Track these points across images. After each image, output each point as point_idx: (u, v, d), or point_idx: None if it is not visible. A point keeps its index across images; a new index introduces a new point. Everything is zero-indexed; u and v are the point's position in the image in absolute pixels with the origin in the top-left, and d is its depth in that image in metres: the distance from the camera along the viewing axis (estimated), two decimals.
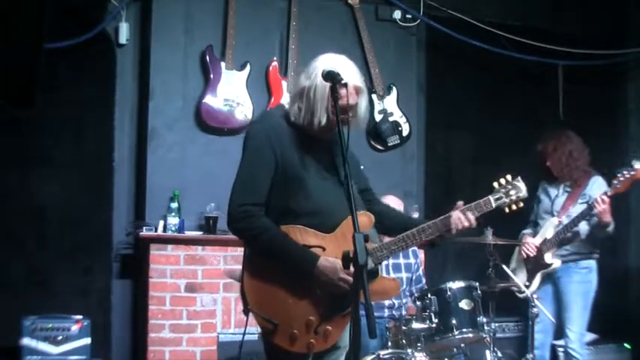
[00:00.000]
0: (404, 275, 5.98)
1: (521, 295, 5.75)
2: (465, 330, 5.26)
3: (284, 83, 6.63)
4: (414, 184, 7.23)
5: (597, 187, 5.82)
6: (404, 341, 5.31)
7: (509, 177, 3.84)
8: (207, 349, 6.19)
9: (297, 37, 6.69)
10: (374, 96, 6.89)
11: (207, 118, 6.41)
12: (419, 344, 5.22)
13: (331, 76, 3.37)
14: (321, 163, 3.59)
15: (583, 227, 5.88)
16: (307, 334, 3.48)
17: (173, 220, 6.19)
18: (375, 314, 3.00)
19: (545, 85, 7.90)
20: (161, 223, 6.22)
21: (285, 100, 6.32)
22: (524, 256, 6.08)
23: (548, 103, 7.89)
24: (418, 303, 5.36)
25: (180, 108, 6.46)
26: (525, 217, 6.20)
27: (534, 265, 6.02)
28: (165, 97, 6.43)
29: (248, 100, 6.49)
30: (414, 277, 6.08)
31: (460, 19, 7.31)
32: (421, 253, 6.43)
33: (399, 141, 7.03)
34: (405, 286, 5.96)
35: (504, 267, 5.69)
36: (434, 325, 5.21)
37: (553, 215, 6.03)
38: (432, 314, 5.24)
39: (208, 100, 6.41)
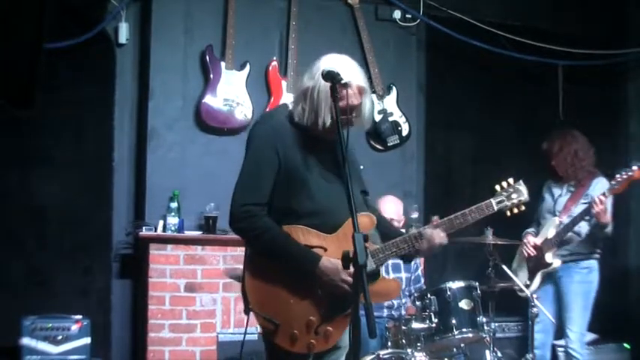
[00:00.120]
0: (403, 275, 5.98)
1: (522, 294, 5.75)
2: (464, 330, 5.26)
3: (284, 83, 6.63)
4: (414, 184, 7.23)
5: (599, 188, 5.81)
6: (404, 341, 5.31)
7: (511, 180, 3.84)
8: (206, 349, 6.19)
9: (297, 36, 6.69)
10: (373, 96, 6.89)
11: (206, 118, 6.41)
12: (419, 344, 5.22)
13: (331, 76, 3.36)
14: (324, 164, 3.59)
15: (584, 227, 5.88)
16: (308, 334, 3.48)
17: (173, 220, 6.19)
18: (375, 314, 2.99)
19: (545, 85, 7.90)
20: (161, 222, 6.22)
21: (285, 100, 6.34)
22: (525, 255, 6.09)
23: (548, 103, 7.89)
24: (418, 303, 5.36)
25: (179, 108, 6.46)
26: (525, 217, 6.16)
27: (535, 264, 6.02)
28: (165, 97, 6.43)
29: (248, 100, 6.49)
30: (412, 277, 6.08)
31: (460, 19, 7.31)
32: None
33: (398, 141, 7.03)
34: (404, 286, 5.97)
35: (504, 267, 5.69)
36: (434, 325, 5.21)
37: (555, 215, 6.03)
38: (431, 314, 5.24)
39: (208, 100, 6.40)
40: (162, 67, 6.44)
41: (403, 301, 5.88)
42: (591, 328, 6.32)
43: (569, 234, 5.89)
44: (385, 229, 3.82)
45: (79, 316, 5.78)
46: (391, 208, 6.01)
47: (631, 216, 7.95)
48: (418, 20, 7.21)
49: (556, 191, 6.14)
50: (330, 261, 3.43)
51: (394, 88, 7.04)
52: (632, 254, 8.04)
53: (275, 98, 6.59)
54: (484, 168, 7.70)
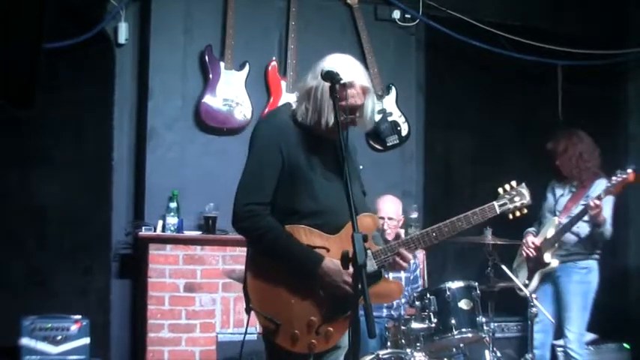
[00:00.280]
0: (403, 275, 5.98)
1: (521, 294, 5.75)
2: (464, 330, 5.26)
3: (283, 83, 6.63)
4: (413, 184, 7.23)
5: (599, 190, 5.80)
6: (403, 341, 5.31)
7: (513, 183, 3.83)
8: (206, 349, 6.19)
9: (297, 36, 6.69)
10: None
11: (206, 118, 6.41)
12: (418, 344, 5.22)
13: (330, 76, 3.35)
14: (327, 164, 3.58)
15: (583, 228, 5.88)
16: (309, 334, 3.48)
17: (172, 220, 6.18)
18: (374, 314, 2.99)
19: (545, 85, 7.90)
20: (160, 222, 6.21)
21: (284, 100, 6.33)
22: (525, 255, 6.09)
23: (547, 103, 7.89)
24: (417, 303, 5.36)
25: (179, 108, 6.46)
26: (525, 217, 6.14)
27: (535, 263, 6.03)
28: (164, 97, 6.42)
29: (247, 100, 6.49)
30: (412, 278, 6.08)
31: (459, 19, 7.31)
32: (420, 254, 6.44)
33: (398, 141, 7.03)
34: (404, 287, 5.97)
35: (503, 267, 5.69)
36: (433, 325, 5.21)
37: (555, 215, 6.04)
38: (431, 314, 5.24)
39: (207, 99, 6.40)
40: (162, 67, 6.44)
41: (403, 301, 5.88)
42: (591, 329, 6.32)
43: (568, 234, 5.90)
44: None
45: (79, 316, 5.78)
46: (390, 207, 6.02)
47: (630, 217, 7.95)
48: (417, 20, 7.21)
49: (558, 191, 6.14)
50: (333, 262, 3.42)
51: (393, 88, 7.04)
52: (631, 255, 8.05)
53: (274, 98, 6.59)
54: (483, 168, 7.71)
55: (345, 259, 3.01)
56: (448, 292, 5.30)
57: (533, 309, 5.58)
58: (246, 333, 3.76)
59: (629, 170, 5.55)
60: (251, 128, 4.51)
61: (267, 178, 3.50)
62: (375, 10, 7.15)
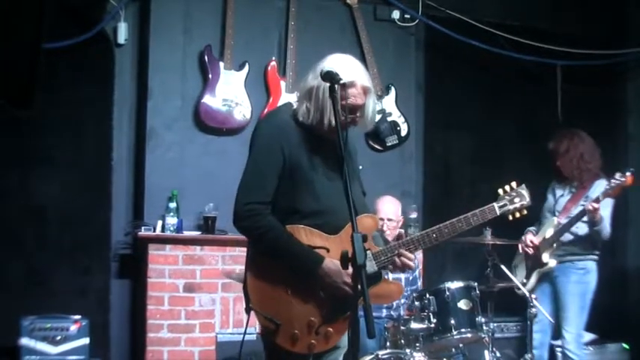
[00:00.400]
0: (402, 276, 5.97)
1: (518, 292, 5.75)
2: (463, 330, 5.26)
3: (282, 83, 6.63)
4: (413, 184, 7.24)
5: (599, 191, 5.79)
6: (402, 341, 5.31)
7: (513, 184, 3.83)
8: (205, 349, 6.19)
9: (296, 36, 6.68)
10: None
11: (205, 118, 6.41)
12: (417, 344, 5.22)
13: (330, 77, 3.35)
14: (328, 164, 3.58)
15: (581, 228, 5.88)
16: (309, 334, 3.47)
17: (171, 220, 6.18)
18: (374, 314, 2.99)
19: (544, 85, 7.90)
20: (159, 223, 6.21)
21: (284, 100, 6.33)
22: (523, 253, 6.10)
23: (546, 103, 7.89)
24: (417, 303, 5.36)
25: (178, 108, 6.45)
26: (525, 218, 6.18)
27: (533, 262, 6.04)
28: (163, 97, 6.42)
29: (246, 100, 6.49)
30: (411, 278, 6.08)
31: (459, 19, 7.31)
32: (419, 254, 6.43)
33: (397, 141, 7.03)
34: (403, 287, 5.97)
35: (503, 267, 5.69)
36: (432, 325, 5.21)
37: (555, 215, 6.04)
38: (430, 314, 5.24)
39: (207, 100, 6.40)
40: (161, 67, 6.44)
41: (402, 301, 5.88)
42: (590, 329, 6.33)
43: (566, 234, 5.90)
44: None
45: (78, 317, 5.77)
46: (389, 208, 6.01)
47: (630, 217, 7.95)
48: (417, 20, 7.21)
49: (558, 192, 6.15)
50: (333, 262, 3.41)
51: (393, 88, 7.04)
52: (630, 255, 8.05)
53: (274, 98, 6.59)
54: (483, 168, 7.71)
55: (345, 260, 3.01)
56: (447, 293, 5.30)
57: (533, 309, 5.59)
58: (245, 333, 3.76)
59: (628, 173, 5.56)
60: (250, 128, 4.52)
61: (268, 177, 3.50)
62: (375, 10, 7.15)
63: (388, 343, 5.42)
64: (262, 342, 3.63)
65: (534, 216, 6.16)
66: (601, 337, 6.95)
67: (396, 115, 7.02)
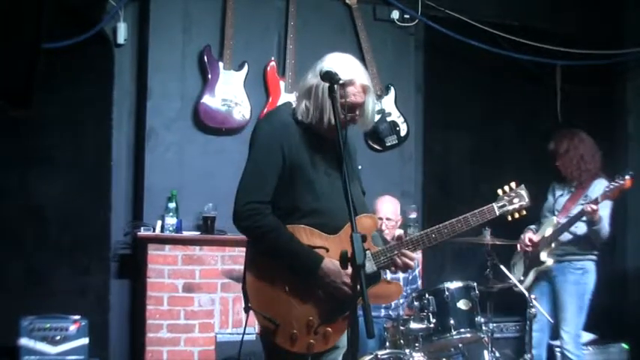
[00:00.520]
0: (401, 275, 5.97)
1: (516, 289, 5.74)
2: (462, 330, 5.27)
3: (282, 83, 6.63)
4: (412, 184, 7.24)
5: (598, 190, 5.81)
6: (402, 341, 5.31)
7: (513, 184, 3.83)
8: (205, 349, 6.19)
9: (295, 36, 6.68)
10: None
11: (205, 118, 6.41)
12: (417, 344, 5.22)
13: (329, 77, 3.35)
14: (328, 163, 3.58)
15: (580, 227, 5.88)
16: (307, 334, 3.48)
17: (171, 220, 6.18)
18: (373, 314, 3.00)
19: (544, 85, 7.91)
20: (159, 223, 6.21)
21: (283, 100, 6.33)
22: (520, 250, 6.10)
23: (546, 103, 7.90)
24: (416, 303, 5.36)
25: (178, 108, 6.45)
26: (524, 218, 6.19)
27: (531, 261, 6.04)
28: (163, 97, 6.42)
29: (246, 100, 6.49)
30: (410, 278, 6.09)
31: (458, 19, 7.31)
32: (419, 254, 6.43)
33: (396, 141, 7.03)
34: (402, 287, 5.97)
35: (502, 267, 5.69)
36: (432, 325, 5.22)
37: (554, 214, 6.04)
38: (429, 314, 5.25)
39: (206, 100, 6.40)
40: (161, 67, 6.43)
41: (401, 301, 5.88)
42: (590, 329, 6.33)
43: (565, 234, 5.90)
44: None
45: (77, 317, 5.77)
46: (388, 207, 6.02)
47: (629, 217, 7.95)
48: (416, 20, 7.21)
49: (558, 191, 6.15)
50: (333, 262, 3.41)
51: (392, 88, 7.04)
52: (630, 255, 8.04)
53: (273, 98, 6.59)
54: (482, 168, 7.71)
55: (344, 260, 3.01)
56: (447, 293, 5.31)
57: (532, 309, 5.59)
58: (244, 333, 3.76)
59: (627, 177, 5.56)
60: (250, 128, 4.52)
61: (268, 176, 3.50)
62: (374, 10, 7.15)
63: (387, 343, 5.43)
64: (261, 342, 3.64)
65: (534, 216, 6.16)
66: (601, 338, 6.94)
67: (395, 115, 7.02)
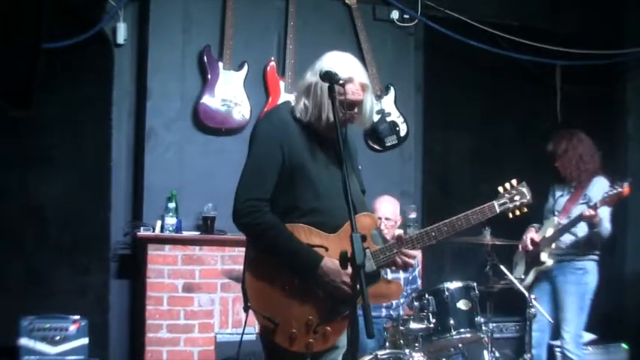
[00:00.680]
0: (401, 275, 5.97)
1: (515, 288, 5.74)
2: (462, 330, 5.26)
3: (281, 83, 6.63)
4: (412, 184, 7.24)
5: (597, 189, 5.82)
6: (402, 341, 5.31)
7: (514, 182, 3.82)
8: (204, 349, 6.19)
9: (295, 36, 6.68)
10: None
11: (204, 118, 6.41)
12: (417, 344, 5.22)
13: (329, 77, 3.36)
14: (327, 161, 3.58)
15: (581, 227, 5.88)
16: (307, 334, 3.48)
17: (170, 220, 6.18)
18: (373, 314, 2.99)
19: (543, 85, 7.91)
20: (158, 223, 6.21)
21: (283, 100, 6.33)
22: (521, 248, 6.10)
23: (546, 103, 7.90)
24: (416, 303, 5.36)
25: (177, 108, 6.45)
26: (524, 217, 6.13)
27: (532, 260, 6.04)
28: (162, 97, 6.42)
29: (246, 100, 6.49)
30: (410, 278, 6.08)
31: (458, 19, 7.32)
32: (418, 253, 6.43)
33: (396, 141, 7.03)
34: (403, 286, 5.97)
35: (502, 267, 5.69)
36: (432, 326, 5.21)
37: (554, 215, 6.04)
38: (429, 314, 5.24)
39: (206, 100, 6.40)
40: (160, 67, 6.43)
41: (401, 301, 5.88)
42: (590, 329, 6.32)
43: (566, 234, 5.90)
44: None
45: (77, 317, 5.77)
46: (387, 207, 6.01)
47: (629, 217, 7.95)
48: (416, 20, 7.21)
49: (558, 192, 6.15)
50: (332, 262, 3.41)
51: (392, 88, 7.04)
52: (629, 255, 8.04)
53: (273, 98, 6.59)
54: (482, 168, 7.71)
55: (344, 259, 3.01)
56: (447, 293, 5.30)
57: (532, 309, 5.59)
58: (244, 332, 3.76)
59: (625, 184, 5.55)
60: (249, 128, 4.52)
61: (268, 174, 3.50)
62: (374, 10, 7.15)
63: (387, 343, 5.42)
64: (261, 342, 3.64)
65: (534, 215, 6.16)
66: (601, 338, 6.94)
67: (395, 115, 7.02)
